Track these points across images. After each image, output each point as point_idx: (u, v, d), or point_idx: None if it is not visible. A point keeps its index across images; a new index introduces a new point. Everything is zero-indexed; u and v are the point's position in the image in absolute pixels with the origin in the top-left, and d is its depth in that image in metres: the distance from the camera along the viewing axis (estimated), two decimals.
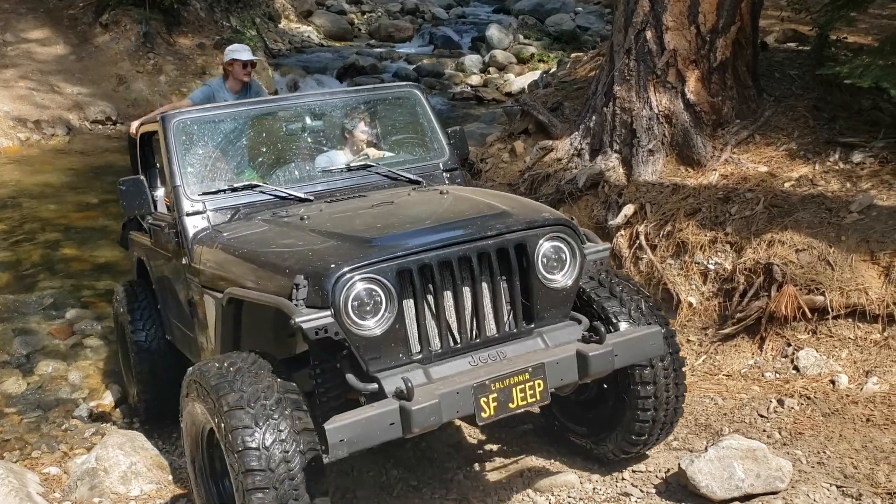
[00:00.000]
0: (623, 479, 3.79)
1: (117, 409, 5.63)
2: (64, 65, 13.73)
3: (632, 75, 6.19)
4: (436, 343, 3.12)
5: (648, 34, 6.10)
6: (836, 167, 5.48)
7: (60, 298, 7.03)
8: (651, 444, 3.80)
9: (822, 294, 4.65)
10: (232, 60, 6.22)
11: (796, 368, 4.60)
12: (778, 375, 4.62)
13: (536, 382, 3.05)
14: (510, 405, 3.01)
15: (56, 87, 13.16)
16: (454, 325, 3.16)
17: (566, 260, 3.34)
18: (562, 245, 3.33)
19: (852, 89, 5.79)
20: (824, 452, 3.84)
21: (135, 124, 5.46)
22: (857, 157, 5.49)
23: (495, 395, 2.97)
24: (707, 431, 4.18)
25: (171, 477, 4.24)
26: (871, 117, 5.84)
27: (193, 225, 3.88)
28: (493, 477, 3.95)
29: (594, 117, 6.50)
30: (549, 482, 3.78)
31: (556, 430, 4.07)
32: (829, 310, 4.63)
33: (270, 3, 18.84)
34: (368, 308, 2.95)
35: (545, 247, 3.29)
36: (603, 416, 3.80)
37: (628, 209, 5.80)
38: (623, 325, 3.53)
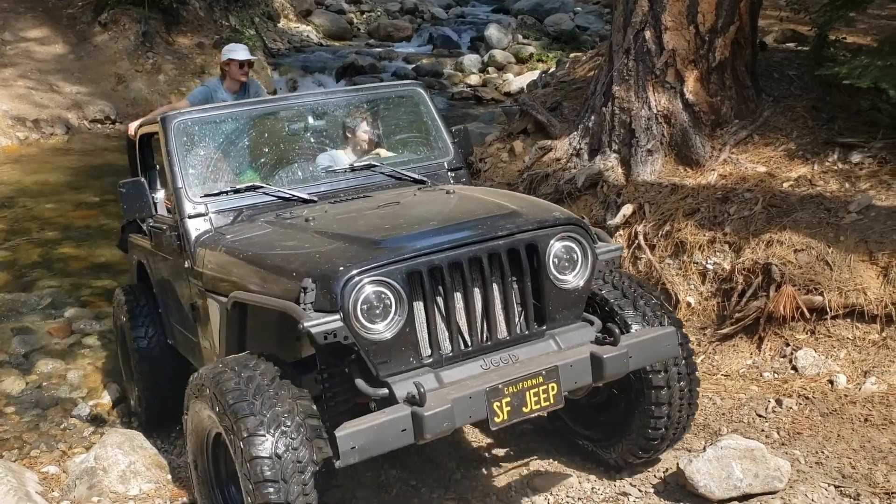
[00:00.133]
0: (621, 478, 3.79)
1: (116, 409, 5.63)
2: (63, 64, 13.72)
3: (631, 75, 6.19)
4: (446, 346, 3.06)
5: (647, 34, 6.09)
6: (835, 167, 5.48)
7: (59, 297, 7.03)
8: (662, 450, 3.73)
9: (821, 294, 4.65)
10: (229, 60, 6.15)
11: (795, 368, 4.60)
12: (776, 375, 4.62)
13: (550, 386, 2.99)
14: (524, 409, 2.95)
15: (55, 86, 13.15)
16: (465, 328, 3.09)
17: (578, 260, 3.27)
18: (573, 245, 3.26)
19: (851, 90, 5.79)
20: (822, 452, 3.84)
21: (133, 125, 5.40)
22: (855, 157, 5.49)
23: (508, 399, 2.91)
24: (705, 431, 4.18)
25: (169, 476, 4.23)
26: (869, 118, 5.84)
27: (196, 227, 3.82)
28: (492, 477, 3.95)
29: (593, 117, 6.49)
30: (548, 482, 3.78)
31: (562, 434, 4.00)
32: (828, 310, 4.62)
33: (269, 2, 18.81)
34: (378, 311, 2.89)
35: (556, 247, 3.22)
36: (614, 421, 3.74)
37: (627, 209, 5.80)
38: (635, 327, 3.46)
